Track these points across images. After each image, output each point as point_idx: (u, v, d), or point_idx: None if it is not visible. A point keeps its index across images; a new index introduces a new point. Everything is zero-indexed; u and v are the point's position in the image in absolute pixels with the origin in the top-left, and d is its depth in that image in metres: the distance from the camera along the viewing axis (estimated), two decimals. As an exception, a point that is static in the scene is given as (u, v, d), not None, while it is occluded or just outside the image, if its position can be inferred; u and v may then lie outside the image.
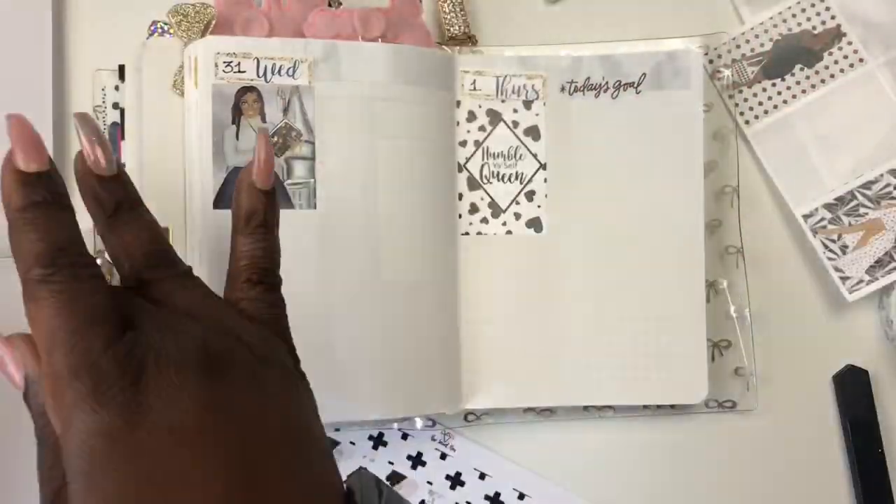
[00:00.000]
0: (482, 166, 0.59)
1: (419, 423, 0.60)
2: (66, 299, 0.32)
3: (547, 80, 0.59)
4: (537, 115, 0.59)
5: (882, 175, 0.62)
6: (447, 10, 0.60)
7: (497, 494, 0.61)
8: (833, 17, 0.63)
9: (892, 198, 0.62)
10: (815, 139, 0.62)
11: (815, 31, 0.63)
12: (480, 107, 0.59)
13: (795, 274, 0.63)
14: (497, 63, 0.59)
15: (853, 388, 0.62)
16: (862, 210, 0.62)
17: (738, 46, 0.63)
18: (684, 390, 0.59)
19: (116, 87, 0.56)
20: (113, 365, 0.31)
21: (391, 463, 0.61)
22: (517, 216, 0.59)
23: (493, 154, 0.59)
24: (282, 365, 0.36)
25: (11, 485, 0.54)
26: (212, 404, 0.31)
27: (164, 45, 0.54)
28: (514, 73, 0.59)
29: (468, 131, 0.59)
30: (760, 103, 0.63)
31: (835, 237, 0.62)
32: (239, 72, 0.53)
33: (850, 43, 0.63)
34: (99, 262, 0.57)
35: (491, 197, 0.59)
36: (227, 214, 0.53)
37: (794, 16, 0.63)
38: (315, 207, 0.54)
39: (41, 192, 0.33)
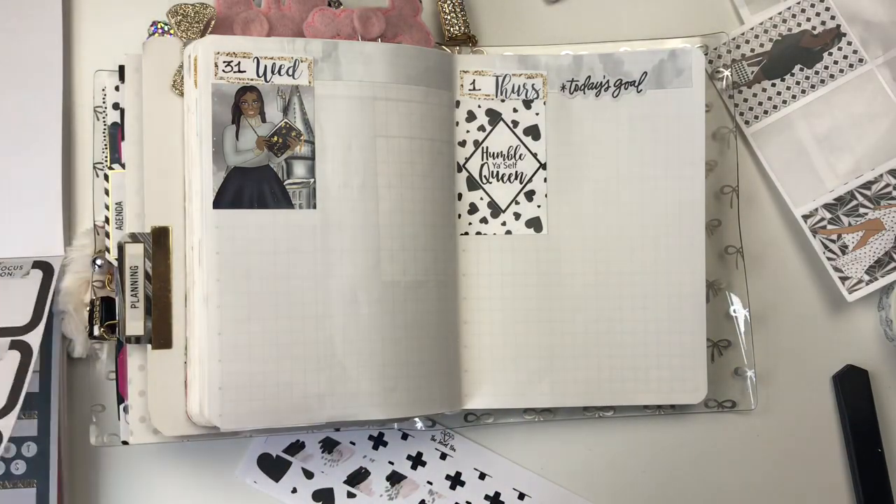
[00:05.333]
0: (482, 166, 0.59)
1: (419, 423, 0.60)
2: None
3: (547, 80, 0.59)
4: (537, 114, 0.59)
5: (882, 175, 0.62)
6: (447, 10, 0.60)
7: (497, 494, 0.61)
8: (833, 18, 0.63)
9: (892, 198, 0.62)
10: (815, 139, 0.62)
11: (815, 32, 0.63)
12: (480, 107, 0.59)
13: (795, 274, 0.63)
14: (497, 63, 0.59)
15: (853, 388, 0.62)
16: (861, 210, 0.62)
17: (738, 46, 0.63)
18: (684, 390, 0.59)
19: (116, 88, 0.56)
20: None
21: (391, 463, 0.61)
22: (517, 216, 0.59)
23: (493, 154, 0.59)
24: None
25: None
26: None
27: (164, 44, 0.54)
28: (514, 72, 0.59)
29: (467, 131, 0.59)
30: (760, 103, 0.63)
31: (834, 237, 0.62)
32: (239, 71, 0.53)
33: (849, 43, 0.63)
34: (99, 262, 0.57)
35: (490, 197, 0.59)
36: (227, 214, 0.53)
37: (794, 16, 0.63)
38: (315, 207, 0.54)
39: None
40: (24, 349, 0.54)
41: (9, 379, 0.53)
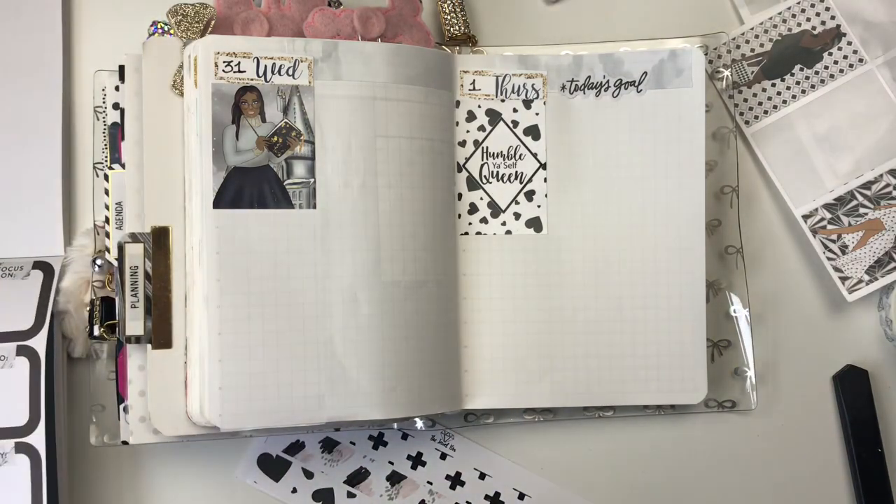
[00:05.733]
0: (482, 166, 0.59)
1: (419, 423, 0.60)
2: None
3: (547, 80, 0.59)
4: (537, 114, 0.59)
5: (882, 175, 0.62)
6: (447, 10, 0.60)
7: (497, 494, 0.61)
8: (833, 18, 0.63)
9: (892, 198, 0.62)
10: (815, 139, 0.62)
11: (815, 32, 0.63)
12: (480, 106, 0.59)
13: (795, 274, 0.63)
14: (497, 63, 0.59)
15: (853, 388, 0.62)
16: (861, 210, 0.62)
17: (738, 46, 0.63)
18: (684, 390, 0.59)
19: (116, 88, 0.56)
20: None
21: (391, 463, 0.61)
22: (517, 216, 0.59)
23: (493, 154, 0.59)
24: None
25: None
26: None
27: (164, 44, 0.54)
28: (514, 72, 0.59)
29: (467, 131, 0.59)
30: (760, 103, 0.63)
31: (834, 237, 0.62)
32: (239, 71, 0.53)
33: (849, 43, 0.63)
34: (99, 262, 0.57)
35: (490, 197, 0.59)
36: (226, 214, 0.53)
37: (794, 16, 0.63)
38: (315, 207, 0.54)
39: None
40: (31, 355, 0.54)
41: (24, 390, 0.53)
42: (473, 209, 0.59)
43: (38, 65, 0.60)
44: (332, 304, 0.54)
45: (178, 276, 0.54)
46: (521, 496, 0.61)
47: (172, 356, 0.54)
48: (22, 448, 0.53)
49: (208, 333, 0.52)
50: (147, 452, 0.60)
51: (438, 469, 0.61)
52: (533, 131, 0.59)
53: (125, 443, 0.55)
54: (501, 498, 0.61)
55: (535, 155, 0.59)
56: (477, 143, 0.59)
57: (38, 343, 0.54)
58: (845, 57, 0.63)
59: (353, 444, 0.61)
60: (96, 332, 0.56)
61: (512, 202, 0.59)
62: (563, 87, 0.59)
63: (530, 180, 0.59)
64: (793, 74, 0.63)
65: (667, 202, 0.59)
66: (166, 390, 0.53)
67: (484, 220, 0.59)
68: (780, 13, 0.63)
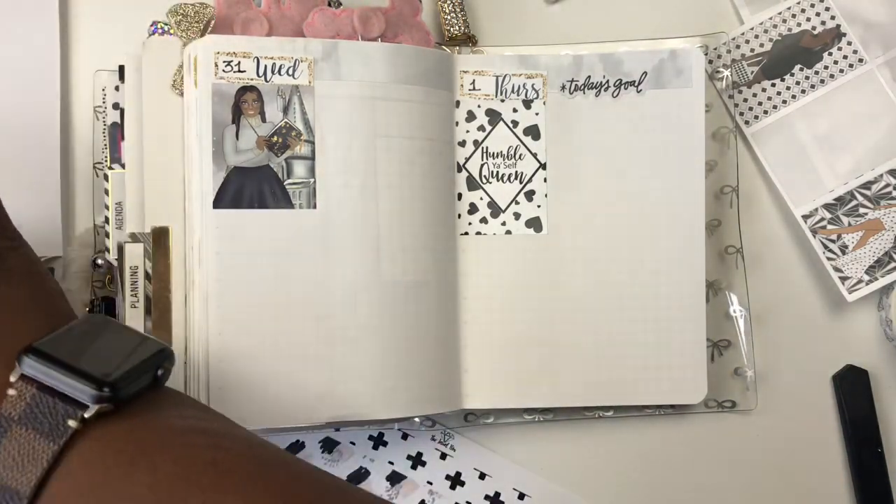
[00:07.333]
0: (481, 166, 0.59)
1: (419, 423, 0.60)
2: None
3: (547, 80, 0.59)
4: (537, 114, 0.59)
5: (881, 175, 0.62)
6: (447, 10, 0.60)
7: (497, 494, 0.61)
8: (833, 18, 0.63)
9: (892, 198, 0.62)
10: (815, 139, 0.62)
11: (815, 32, 0.63)
12: (480, 106, 0.59)
13: (795, 274, 0.63)
14: (496, 63, 0.59)
15: (853, 388, 0.62)
16: (861, 210, 0.62)
17: (737, 46, 0.63)
18: (684, 390, 0.59)
19: (116, 88, 0.56)
20: None
21: (391, 463, 0.61)
22: (517, 216, 0.59)
23: (493, 154, 0.59)
24: None
25: None
26: None
27: (164, 44, 0.54)
28: (514, 72, 0.59)
29: (467, 131, 0.59)
30: (760, 103, 0.63)
31: (834, 237, 0.62)
32: (239, 71, 0.53)
33: (849, 43, 0.63)
34: (99, 262, 0.57)
35: (490, 197, 0.59)
36: (226, 214, 0.53)
37: (793, 16, 0.63)
38: (315, 207, 0.54)
39: None
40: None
41: None
42: (473, 209, 0.59)
43: (37, 64, 0.60)
44: (332, 304, 0.54)
45: (178, 276, 0.54)
46: (521, 496, 0.61)
47: (172, 356, 0.53)
48: None
49: (208, 333, 0.52)
50: (147, 452, 0.59)
51: (438, 469, 0.61)
52: (533, 131, 0.59)
53: (125, 443, 0.55)
54: (501, 498, 0.61)
55: (535, 155, 0.59)
56: (477, 143, 0.59)
57: None
58: (845, 57, 0.63)
59: (353, 444, 0.61)
60: (96, 332, 0.56)
61: (512, 202, 0.59)
62: (563, 87, 0.59)
63: (530, 180, 0.59)
64: (793, 74, 0.63)
65: (667, 202, 0.59)
66: (166, 390, 0.53)
67: (484, 220, 0.59)
68: (780, 13, 0.63)
